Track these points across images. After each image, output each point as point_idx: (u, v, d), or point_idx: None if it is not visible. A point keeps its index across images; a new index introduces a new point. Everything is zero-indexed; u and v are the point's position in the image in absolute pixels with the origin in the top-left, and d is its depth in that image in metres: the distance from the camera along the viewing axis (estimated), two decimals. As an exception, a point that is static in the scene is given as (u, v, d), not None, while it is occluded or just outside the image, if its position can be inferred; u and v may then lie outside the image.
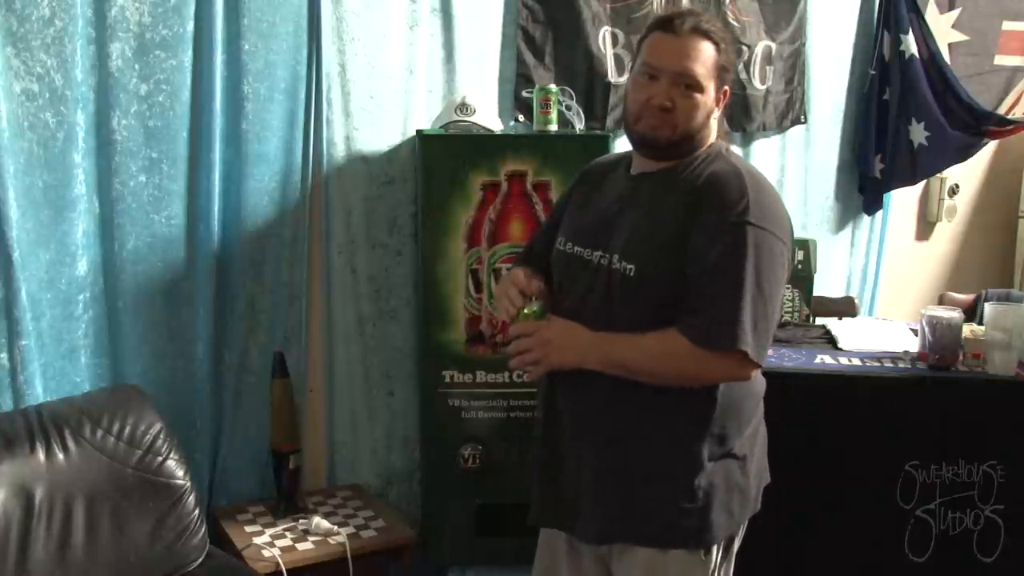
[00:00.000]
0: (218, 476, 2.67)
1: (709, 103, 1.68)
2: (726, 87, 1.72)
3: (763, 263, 1.57)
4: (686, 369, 1.59)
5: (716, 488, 1.64)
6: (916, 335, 2.62)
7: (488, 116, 2.72)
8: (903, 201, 3.92)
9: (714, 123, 1.72)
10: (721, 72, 1.69)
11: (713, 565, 1.68)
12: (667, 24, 1.68)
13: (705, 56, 1.66)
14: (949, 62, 3.62)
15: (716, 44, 1.67)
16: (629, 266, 1.63)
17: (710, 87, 1.66)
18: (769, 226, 1.59)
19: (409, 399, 2.89)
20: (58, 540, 2.10)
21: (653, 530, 1.66)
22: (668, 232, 1.62)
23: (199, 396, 2.57)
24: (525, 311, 1.71)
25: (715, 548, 1.67)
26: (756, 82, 3.38)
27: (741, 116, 3.36)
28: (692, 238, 1.59)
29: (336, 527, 2.51)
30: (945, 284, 4.01)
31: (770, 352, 2.55)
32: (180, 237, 2.52)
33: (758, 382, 1.75)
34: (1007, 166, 4.10)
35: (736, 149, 3.25)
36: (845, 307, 3.23)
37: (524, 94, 2.91)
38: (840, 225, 3.77)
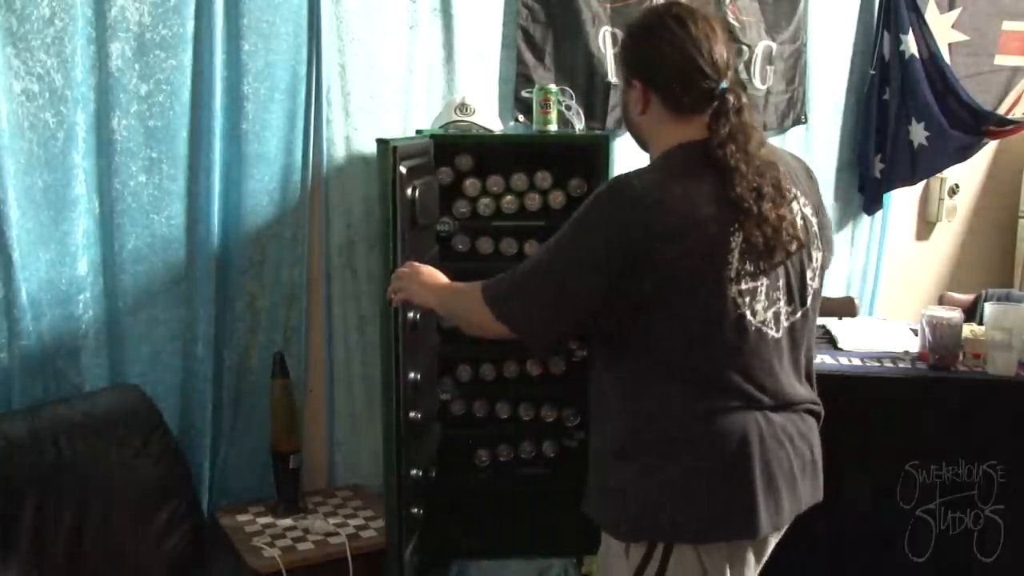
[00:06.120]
0: (218, 476, 2.67)
1: (630, 97, 1.68)
2: (634, 79, 1.65)
3: (560, 242, 1.60)
4: (471, 317, 1.73)
5: (627, 493, 1.64)
6: (916, 335, 2.62)
7: (488, 116, 2.72)
8: (903, 201, 3.92)
9: (660, 126, 1.64)
10: (623, 63, 1.70)
11: (635, 567, 1.63)
12: None
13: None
14: (949, 62, 3.62)
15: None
16: None
17: (624, 79, 1.69)
18: (586, 214, 1.57)
19: (409, 399, 2.89)
20: (58, 540, 2.11)
21: (590, 503, 1.74)
22: None
23: (199, 396, 2.57)
24: None
25: (633, 548, 1.63)
26: (756, 82, 3.37)
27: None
28: None
29: (336, 527, 2.51)
30: (945, 284, 4.01)
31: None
32: (180, 237, 2.52)
33: (690, 414, 1.59)
34: (1007, 166, 4.10)
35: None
36: (845, 307, 3.22)
37: (524, 94, 2.91)
38: (840, 225, 3.76)
